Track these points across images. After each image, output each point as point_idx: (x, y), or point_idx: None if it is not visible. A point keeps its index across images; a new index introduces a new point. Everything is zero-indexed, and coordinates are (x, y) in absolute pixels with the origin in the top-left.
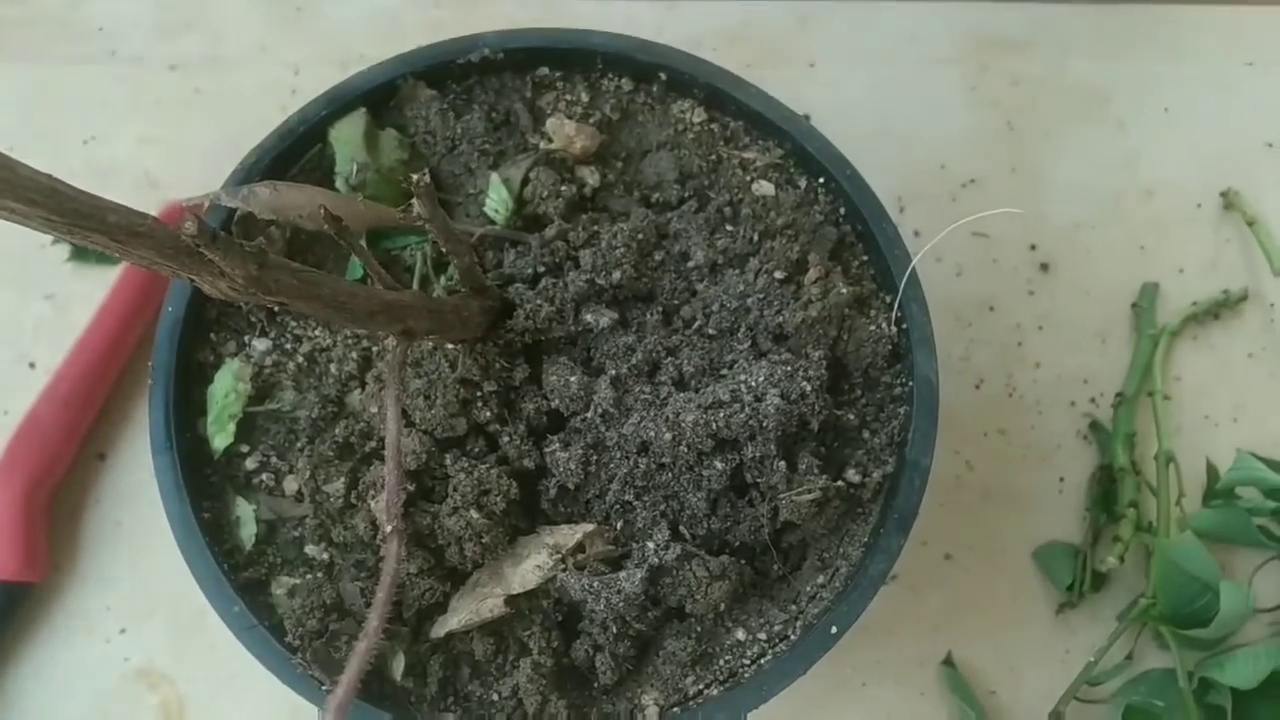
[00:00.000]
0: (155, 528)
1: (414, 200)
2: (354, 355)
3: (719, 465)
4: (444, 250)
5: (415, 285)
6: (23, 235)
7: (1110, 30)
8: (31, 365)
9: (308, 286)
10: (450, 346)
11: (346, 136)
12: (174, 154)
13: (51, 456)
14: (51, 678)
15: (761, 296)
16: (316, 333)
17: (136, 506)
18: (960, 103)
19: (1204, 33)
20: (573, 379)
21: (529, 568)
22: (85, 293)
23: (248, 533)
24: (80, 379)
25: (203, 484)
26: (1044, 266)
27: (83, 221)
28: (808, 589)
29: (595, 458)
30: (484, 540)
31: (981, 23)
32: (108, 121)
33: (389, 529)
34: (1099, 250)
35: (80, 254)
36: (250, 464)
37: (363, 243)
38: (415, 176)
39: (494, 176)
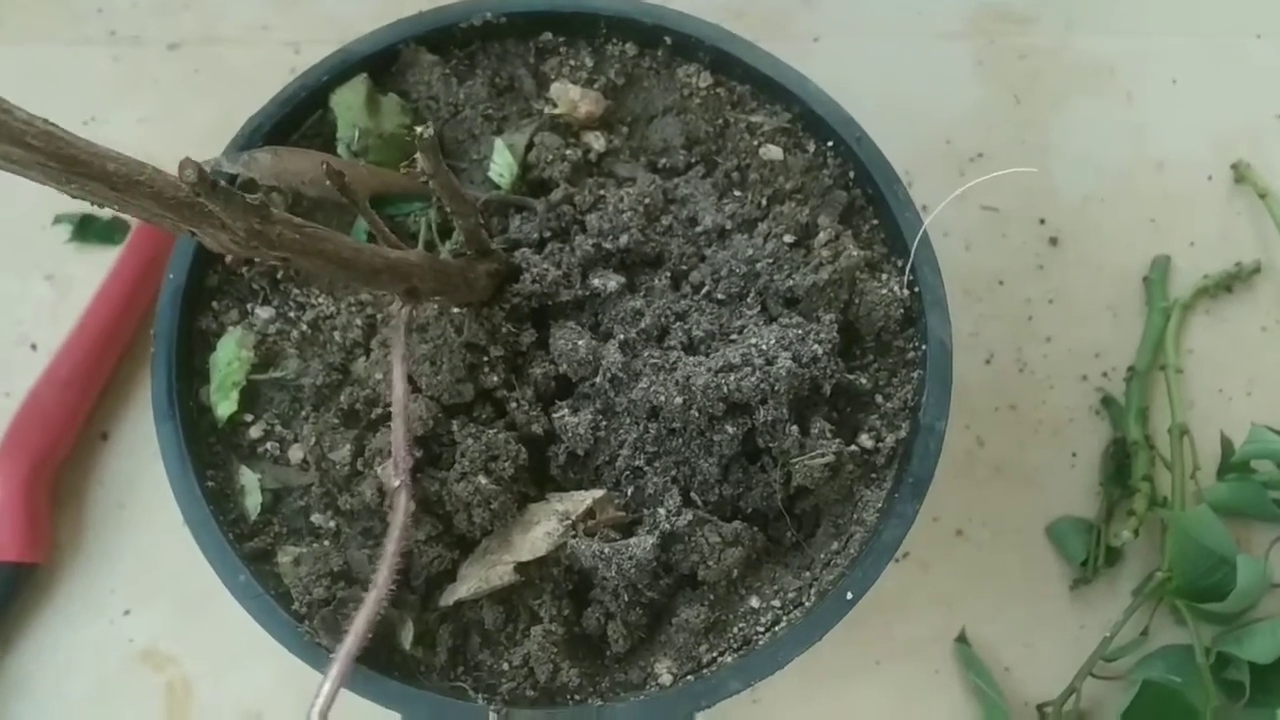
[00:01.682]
0: (159, 508)
1: (417, 156)
2: (358, 322)
3: (730, 430)
4: (448, 211)
5: (420, 248)
6: (23, 216)
7: (1117, 2)
8: (33, 346)
9: (311, 241)
10: (456, 311)
11: (348, 102)
12: (174, 134)
13: (54, 437)
14: (56, 659)
15: (771, 261)
16: (320, 300)
17: (140, 486)
18: (967, 77)
19: (1212, 4)
20: (581, 343)
21: (539, 534)
22: (86, 274)
23: (253, 502)
24: (82, 359)
25: (206, 453)
26: (1053, 240)
27: (80, 168)
28: (822, 555)
29: (605, 423)
30: (493, 507)
31: None
32: (107, 102)
33: (396, 483)
34: (1109, 224)
35: (81, 234)
36: (255, 432)
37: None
38: (419, 129)
39: (498, 142)
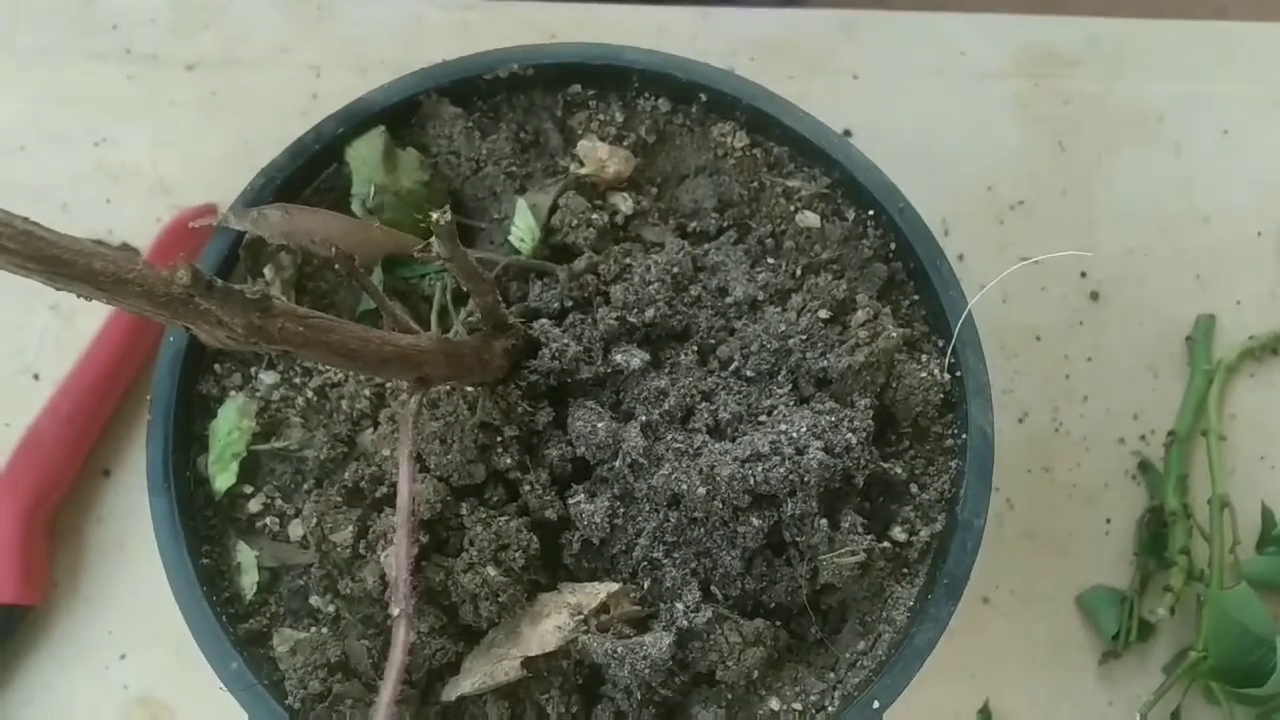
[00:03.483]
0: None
1: (433, 239)
2: (366, 392)
3: (755, 522)
4: (465, 289)
5: (434, 317)
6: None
7: (1167, 47)
8: (36, 377)
9: (315, 333)
10: (470, 389)
11: (364, 156)
12: (188, 158)
13: (54, 473)
14: (49, 705)
15: (804, 337)
16: (327, 368)
17: (141, 526)
18: (1009, 120)
19: (1266, 52)
20: (600, 425)
21: (549, 628)
22: (91, 304)
23: (249, 580)
24: (85, 394)
25: (203, 527)
26: (1094, 295)
27: (64, 269)
28: (847, 656)
29: (623, 510)
30: (501, 599)
31: (1033, 36)
32: (121, 123)
33: (396, 612)
34: (1152, 279)
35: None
36: (254, 506)
37: (379, 272)
38: (434, 215)
39: (521, 202)
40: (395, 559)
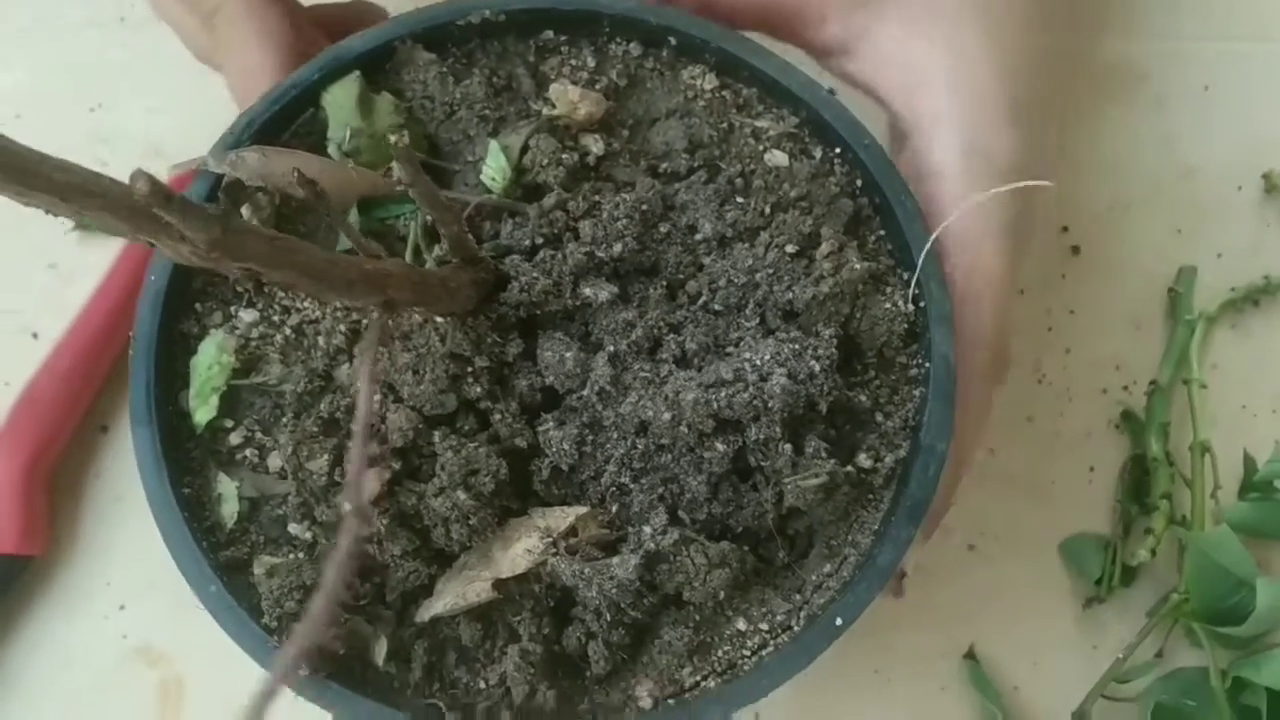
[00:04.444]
0: None
1: (392, 163)
2: (343, 328)
3: (720, 447)
4: (430, 218)
5: (408, 255)
6: None
7: (1149, 6)
8: (34, 335)
9: (280, 254)
10: (440, 320)
11: (340, 101)
12: (182, 123)
13: (52, 429)
14: (50, 653)
15: (771, 271)
16: (305, 304)
17: (139, 480)
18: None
19: (1245, 10)
20: (569, 355)
21: (519, 551)
22: (89, 263)
23: (229, 510)
24: (82, 351)
25: (184, 459)
26: (1076, 249)
27: (26, 179)
28: (813, 578)
29: (591, 437)
30: (471, 522)
31: None
32: (115, 89)
33: (348, 506)
34: (1134, 233)
35: (85, 223)
36: (234, 439)
37: (354, 211)
38: (393, 138)
39: (493, 144)
40: (352, 458)
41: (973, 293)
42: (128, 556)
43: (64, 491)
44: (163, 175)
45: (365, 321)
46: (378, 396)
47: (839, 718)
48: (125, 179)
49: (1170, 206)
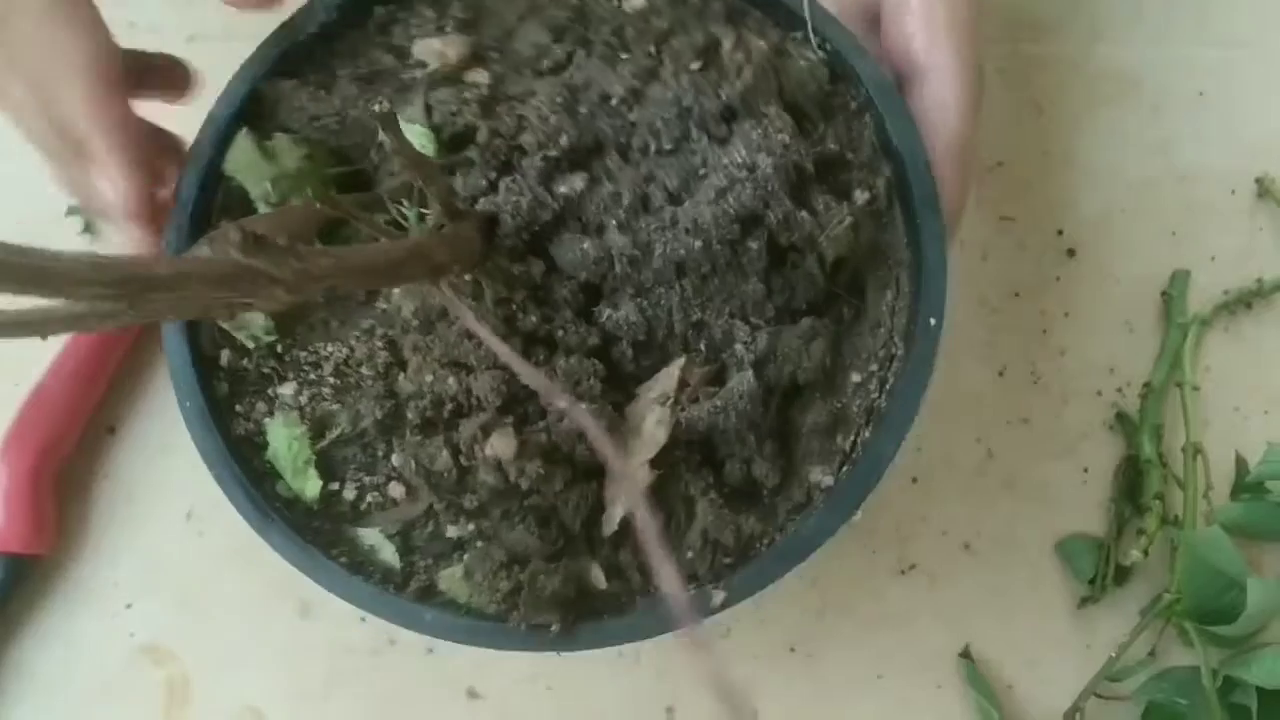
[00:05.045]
0: (164, 502)
1: (383, 133)
2: (380, 345)
3: (753, 245)
4: (416, 181)
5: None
6: (36, 204)
7: (1144, 12)
8: (42, 338)
9: (345, 261)
10: (468, 279)
11: (242, 161)
12: (191, 127)
13: (60, 430)
14: (57, 651)
15: (692, 92)
16: (329, 349)
17: (145, 480)
18: (989, 84)
19: (1240, 16)
20: (585, 246)
21: (651, 427)
22: None
23: (389, 554)
24: (89, 353)
25: (320, 537)
26: (1071, 252)
27: (139, 284)
28: (884, 309)
29: (644, 301)
30: (602, 425)
31: (1011, 2)
32: None
33: (564, 403)
34: (1129, 237)
35: (94, 226)
36: (349, 495)
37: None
38: (375, 107)
39: (388, 105)
40: (527, 378)
41: (936, 28)
42: (134, 556)
43: (71, 492)
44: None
45: (398, 330)
46: (451, 378)
47: (835, 714)
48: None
49: (1164, 210)
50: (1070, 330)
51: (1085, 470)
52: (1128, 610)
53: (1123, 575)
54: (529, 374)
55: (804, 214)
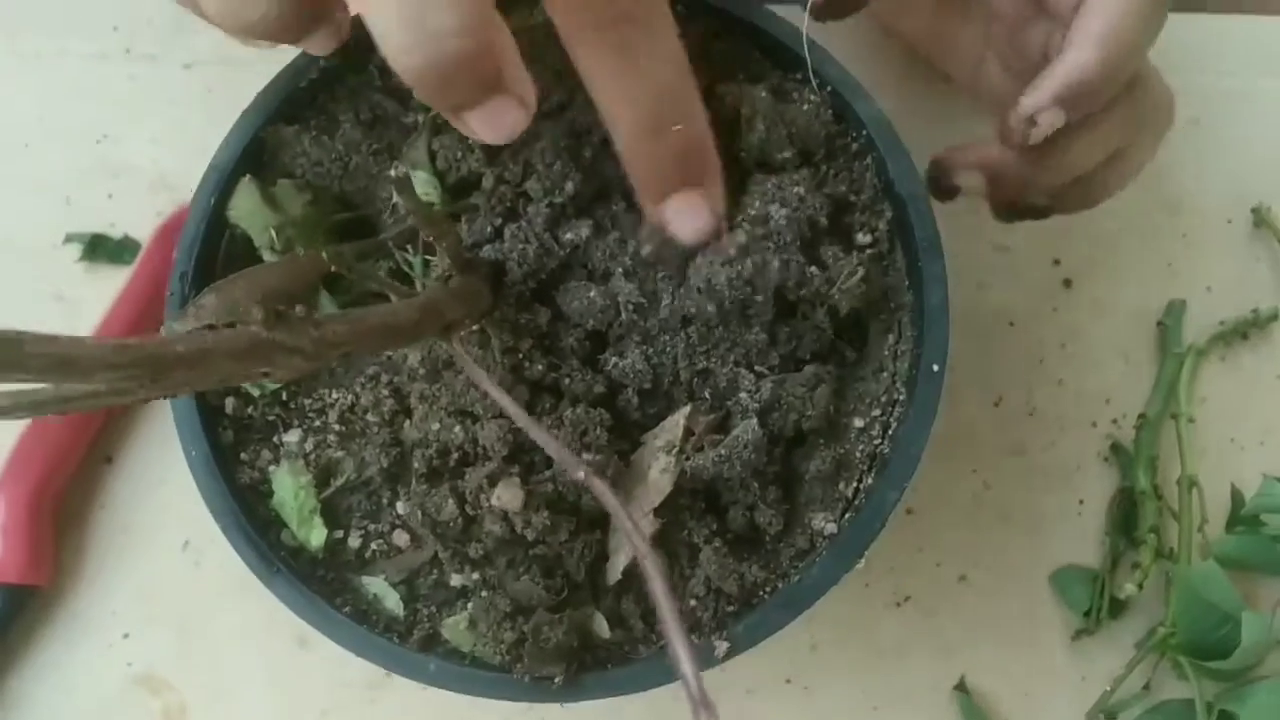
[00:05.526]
0: (161, 532)
1: (397, 195)
2: (386, 393)
3: (759, 299)
4: (429, 236)
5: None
6: (33, 233)
7: None
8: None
9: (360, 324)
10: (474, 329)
11: (246, 209)
12: (187, 154)
13: (58, 460)
14: (54, 680)
15: None
16: (334, 395)
17: (143, 510)
18: (984, 114)
19: (1236, 45)
20: (591, 294)
21: (655, 475)
22: (96, 294)
23: (393, 603)
24: None
25: (326, 587)
26: (1068, 282)
27: (161, 365)
28: (886, 352)
29: (651, 349)
30: (607, 474)
31: None
32: (121, 120)
33: (581, 474)
34: (1125, 267)
35: (91, 254)
36: (354, 543)
37: (326, 297)
38: (391, 171)
39: (408, 171)
40: (544, 444)
41: None
42: (132, 586)
43: (69, 522)
44: (167, 209)
45: (405, 377)
46: (458, 426)
47: None
48: (136, 211)
49: (1160, 240)
50: (1066, 361)
51: (1080, 502)
52: (1123, 643)
53: (1118, 608)
54: (548, 442)
55: (814, 269)
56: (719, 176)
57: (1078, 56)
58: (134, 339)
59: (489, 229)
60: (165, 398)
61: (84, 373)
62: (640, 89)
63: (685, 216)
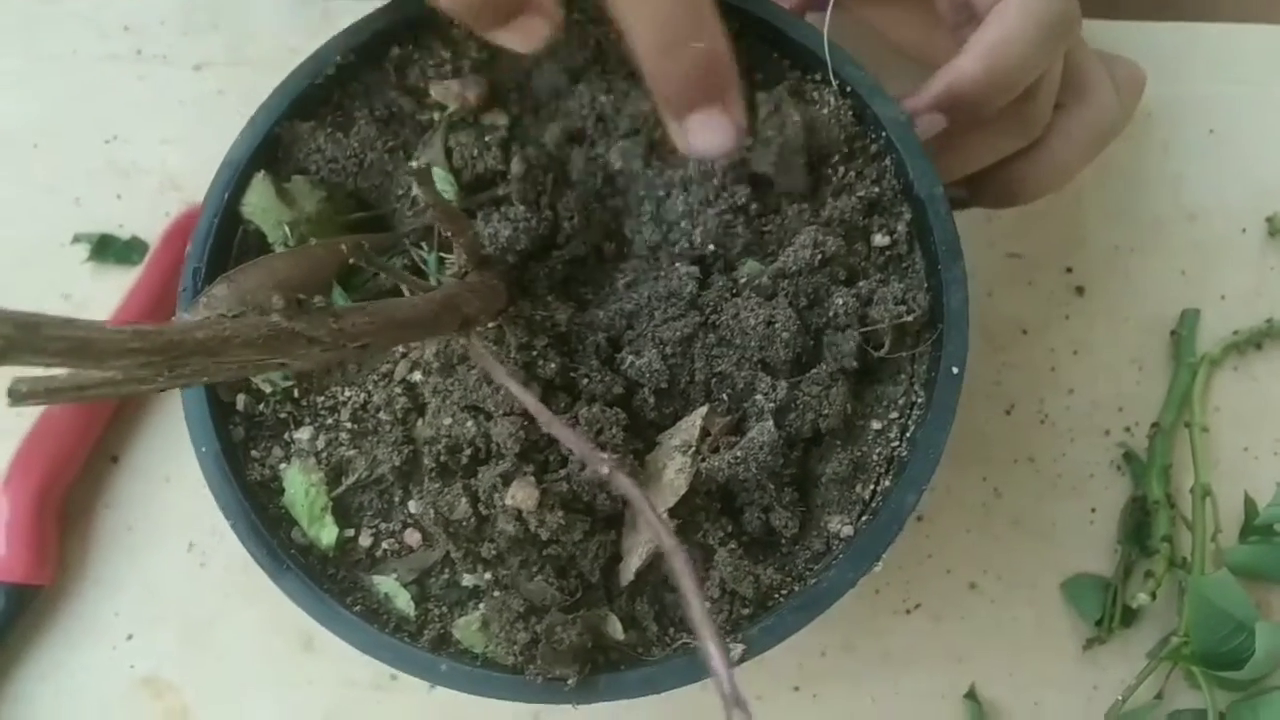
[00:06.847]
0: (166, 532)
1: (417, 187)
2: (398, 390)
3: (793, 337)
4: (446, 233)
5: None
6: (40, 233)
7: (1155, 49)
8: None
9: (379, 317)
10: (491, 325)
11: (260, 204)
12: (196, 155)
13: (63, 459)
14: (58, 681)
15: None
16: (347, 393)
17: (148, 511)
18: None
19: (1252, 54)
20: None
21: (671, 475)
22: (103, 294)
23: (404, 602)
24: None
25: (336, 584)
26: (1080, 290)
27: (179, 349)
28: (904, 355)
29: (668, 348)
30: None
31: None
32: (131, 121)
33: (605, 470)
34: (1138, 275)
35: (99, 254)
36: (365, 541)
37: (339, 291)
38: (411, 164)
39: (426, 168)
40: (563, 439)
41: None
42: (136, 587)
43: (74, 522)
44: (174, 210)
45: (417, 374)
46: (470, 421)
47: None
48: (145, 211)
49: (1174, 249)
50: (1079, 369)
51: (1093, 510)
52: (1135, 652)
53: (1130, 617)
54: (570, 437)
55: (852, 300)
56: (739, 93)
57: (961, 65)
58: (152, 325)
59: (524, 215)
60: (181, 387)
61: (101, 358)
62: (659, 6)
63: (707, 131)
